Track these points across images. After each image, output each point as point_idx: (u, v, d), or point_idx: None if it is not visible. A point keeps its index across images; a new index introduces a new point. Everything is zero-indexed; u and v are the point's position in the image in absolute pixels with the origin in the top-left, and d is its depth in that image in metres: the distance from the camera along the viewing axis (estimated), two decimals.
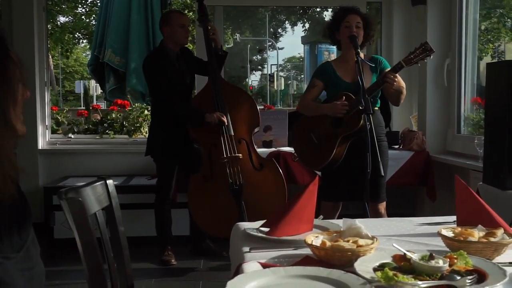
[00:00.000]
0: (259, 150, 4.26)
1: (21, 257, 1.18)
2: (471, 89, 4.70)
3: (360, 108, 3.18)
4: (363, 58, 3.32)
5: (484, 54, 6.25)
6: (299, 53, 29.67)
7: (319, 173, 3.60)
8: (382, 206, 3.41)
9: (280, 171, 4.05)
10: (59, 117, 5.92)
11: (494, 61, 7.16)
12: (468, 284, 1.23)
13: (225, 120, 3.99)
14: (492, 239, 1.52)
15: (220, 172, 4.00)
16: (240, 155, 4.00)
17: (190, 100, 4.25)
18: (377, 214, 3.33)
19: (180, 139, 4.12)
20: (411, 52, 3.25)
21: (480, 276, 1.29)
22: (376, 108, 3.47)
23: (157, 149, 4.20)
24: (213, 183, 4.04)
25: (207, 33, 4.15)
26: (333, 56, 17.10)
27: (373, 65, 3.41)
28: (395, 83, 3.18)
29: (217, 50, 4.17)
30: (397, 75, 3.20)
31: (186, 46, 4.33)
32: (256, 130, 4.19)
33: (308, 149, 3.51)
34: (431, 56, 3.26)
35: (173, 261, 4.17)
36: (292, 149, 3.86)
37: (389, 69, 3.32)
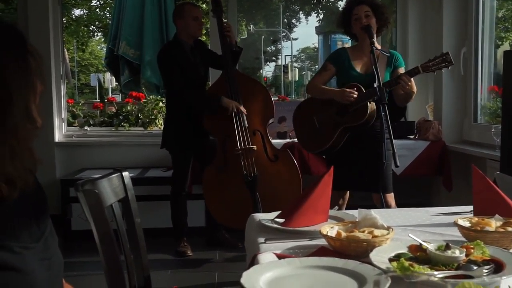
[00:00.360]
0: (273, 141, 4.26)
1: (39, 248, 1.19)
2: (487, 78, 4.64)
3: (370, 102, 3.18)
4: (378, 48, 3.29)
5: (501, 43, 6.15)
6: (313, 44, 29.52)
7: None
8: (391, 197, 3.39)
9: (295, 162, 4.04)
10: (75, 110, 5.96)
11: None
12: (485, 273, 1.22)
13: (244, 110, 3.99)
14: (509, 229, 1.51)
15: (234, 164, 4.00)
16: (255, 146, 4.00)
17: (205, 91, 4.26)
18: (385, 205, 3.32)
19: (195, 131, 4.13)
20: (430, 59, 3.20)
21: (497, 266, 1.28)
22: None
23: (172, 141, 4.22)
24: (227, 174, 4.04)
25: (220, 24, 4.15)
26: (347, 46, 16.99)
27: (388, 55, 3.39)
28: (407, 87, 3.16)
29: (232, 46, 4.18)
30: (411, 79, 3.17)
31: (200, 38, 4.33)
32: (270, 121, 4.18)
33: (308, 131, 3.52)
34: (449, 68, 3.21)
35: (189, 252, 4.20)
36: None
37: (404, 71, 3.29)
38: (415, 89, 3.27)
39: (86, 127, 5.65)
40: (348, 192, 3.54)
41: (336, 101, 3.35)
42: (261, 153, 4.03)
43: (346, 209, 3.38)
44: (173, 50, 4.10)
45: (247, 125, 4.02)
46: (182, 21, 4.13)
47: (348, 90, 3.28)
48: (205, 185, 4.11)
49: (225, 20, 4.21)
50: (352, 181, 3.41)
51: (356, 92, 3.26)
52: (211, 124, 4.09)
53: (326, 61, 3.54)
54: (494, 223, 1.55)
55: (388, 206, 3.34)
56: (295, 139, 3.78)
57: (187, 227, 4.32)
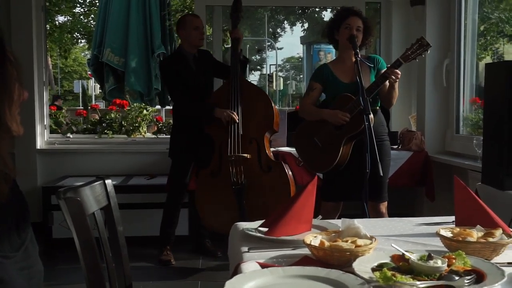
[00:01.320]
0: (270, 153, 4.22)
1: (20, 256, 1.18)
2: (470, 89, 4.70)
3: (361, 108, 3.19)
4: (363, 59, 3.33)
5: (483, 55, 6.24)
6: (298, 53, 29.66)
7: (320, 174, 3.60)
8: (384, 206, 3.42)
9: (288, 175, 3.99)
10: (57, 116, 5.91)
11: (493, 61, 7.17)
12: (466, 284, 1.23)
13: (236, 118, 3.99)
14: (490, 239, 1.53)
15: (226, 170, 4.02)
16: (247, 155, 4.00)
17: (200, 102, 4.26)
18: (378, 214, 3.34)
19: (198, 139, 4.16)
20: (407, 48, 3.27)
21: (479, 276, 1.29)
22: (377, 108, 3.48)
23: (177, 150, 4.25)
24: (219, 180, 4.06)
25: (235, 30, 4.18)
26: (329, 56, 17.11)
27: (372, 65, 3.43)
28: (398, 75, 3.22)
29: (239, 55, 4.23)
30: (398, 71, 3.22)
31: (206, 49, 4.38)
32: (269, 133, 4.14)
33: (313, 153, 3.51)
34: (428, 51, 3.27)
35: (172, 260, 4.18)
36: (292, 149, 3.86)
37: (388, 66, 3.33)
38: (396, 89, 3.34)
39: (68, 134, 5.60)
40: (341, 203, 3.55)
41: None
42: (254, 162, 4.02)
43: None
44: (175, 61, 4.18)
45: (241, 133, 4.02)
46: (184, 31, 4.20)
47: (340, 112, 3.30)
48: (198, 187, 4.15)
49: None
50: (345, 191, 3.44)
51: (347, 114, 3.28)
52: (211, 129, 4.12)
53: (311, 80, 3.56)
54: (475, 234, 1.57)
55: (381, 215, 3.36)
56: (301, 163, 3.76)
57: (174, 236, 4.30)
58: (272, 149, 4.72)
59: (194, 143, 4.19)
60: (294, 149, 3.84)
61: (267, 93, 4.58)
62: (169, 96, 4.42)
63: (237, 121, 4.00)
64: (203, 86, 4.24)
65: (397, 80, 3.24)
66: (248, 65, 4.42)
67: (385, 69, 3.39)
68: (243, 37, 4.28)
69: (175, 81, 4.12)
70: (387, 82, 3.28)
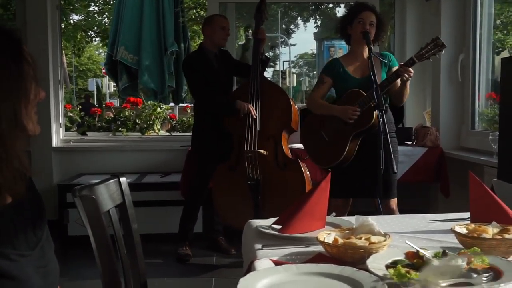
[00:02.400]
0: (288, 150, 4.23)
1: (36, 255, 1.19)
2: (485, 84, 4.65)
3: (373, 104, 3.17)
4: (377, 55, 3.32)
5: (501, 49, 6.16)
6: (311, 50, 29.56)
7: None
8: (394, 202, 3.39)
9: (304, 174, 3.99)
10: (72, 115, 5.96)
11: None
12: (484, 281, 1.22)
13: (254, 112, 4.00)
14: (506, 236, 1.51)
15: (243, 165, 4.04)
16: (263, 151, 4.00)
17: (222, 97, 4.28)
18: (388, 211, 3.32)
19: (220, 136, 4.19)
20: (422, 47, 3.24)
21: (496, 273, 1.28)
22: (386, 105, 3.46)
23: (201, 147, 4.28)
24: (236, 174, 4.08)
25: (258, 29, 4.19)
26: (341, 52, 17.02)
27: (385, 61, 3.41)
28: (410, 73, 3.19)
29: (261, 55, 4.23)
30: (411, 69, 3.20)
31: (225, 49, 4.41)
32: (290, 131, 4.15)
33: (319, 147, 3.49)
34: (443, 52, 3.24)
35: (189, 254, 4.20)
36: None
37: (401, 64, 3.30)
38: (407, 89, 3.31)
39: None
40: (351, 199, 3.54)
41: None
42: (270, 159, 4.03)
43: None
44: (197, 59, 4.21)
45: (259, 129, 4.03)
46: (210, 28, 4.22)
47: (351, 108, 3.28)
48: (215, 181, 4.17)
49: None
50: (355, 188, 3.41)
51: (358, 109, 3.26)
52: (230, 123, 4.14)
53: (321, 73, 3.55)
54: (491, 230, 1.55)
55: (391, 211, 3.34)
56: (307, 157, 3.75)
57: (192, 232, 4.33)
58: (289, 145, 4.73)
59: (217, 140, 4.21)
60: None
61: None
62: (191, 94, 4.40)
63: (255, 116, 4.01)
64: (224, 84, 4.28)
65: (410, 78, 3.21)
66: (268, 64, 4.41)
67: (396, 67, 3.38)
68: (266, 38, 4.26)
69: (199, 79, 4.14)
70: (398, 80, 3.25)
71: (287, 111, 4.10)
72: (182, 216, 4.29)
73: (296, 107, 4.24)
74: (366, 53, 3.39)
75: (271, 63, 27.64)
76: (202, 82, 4.14)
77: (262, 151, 4.00)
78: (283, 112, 4.10)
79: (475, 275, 1.24)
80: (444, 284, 1.20)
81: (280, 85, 24.76)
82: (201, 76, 4.14)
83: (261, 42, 4.19)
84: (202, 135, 4.26)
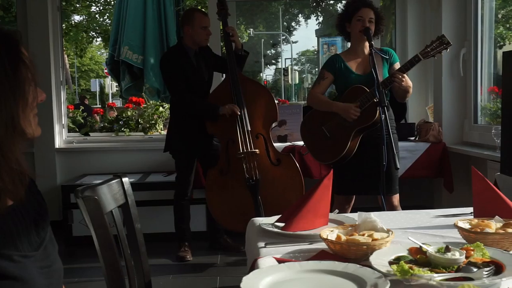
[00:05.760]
0: (274, 144, 4.25)
1: (39, 255, 1.19)
2: (487, 79, 4.64)
3: (375, 100, 3.17)
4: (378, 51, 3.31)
5: (503, 43, 6.14)
6: (313, 46, 29.55)
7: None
8: (396, 198, 3.39)
9: (298, 166, 4.02)
10: (75, 116, 5.97)
11: None
12: (485, 275, 1.22)
13: (238, 111, 3.99)
14: (509, 230, 1.51)
15: (237, 167, 4.01)
16: (257, 150, 4.00)
17: (208, 97, 4.25)
18: (390, 207, 3.31)
19: (199, 134, 4.14)
20: (427, 45, 3.22)
21: (497, 267, 1.28)
22: (387, 101, 3.45)
23: (176, 145, 4.22)
24: (230, 177, 4.05)
25: (226, 27, 4.17)
26: (333, 48, 16.99)
27: (387, 57, 3.40)
28: (403, 83, 3.18)
29: (237, 51, 4.18)
30: (405, 75, 3.19)
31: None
32: (273, 125, 4.18)
33: (320, 142, 3.49)
34: (448, 50, 3.23)
35: (188, 257, 4.19)
36: None
37: (398, 66, 3.31)
38: (410, 83, 3.29)
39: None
40: (354, 196, 3.54)
41: None
42: (263, 157, 4.03)
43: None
44: (177, 56, 4.11)
45: (249, 129, 4.02)
46: (190, 28, 4.11)
47: (353, 107, 3.28)
48: (207, 187, 4.12)
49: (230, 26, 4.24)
50: (358, 184, 3.41)
51: (359, 109, 3.26)
52: (214, 128, 4.10)
53: (322, 69, 3.54)
54: (494, 225, 1.55)
55: (393, 207, 3.34)
56: (307, 152, 3.75)
57: (190, 231, 4.32)
58: (288, 143, 4.74)
59: (194, 139, 4.16)
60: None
61: (282, 87, 4.58)
62: (169, 92, 4.35)
63: (239, 113, 3.99)
64: (204, 82, 4.21)
65: (401, 83, 3.19)
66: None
67: (397, 63, 3.39)
68: (235, 32, 4.22)
69: (177, 76, 4.05)
70: None
71: (271, 106, 4.10)
72: (174, 217, 4.29)
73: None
74: (367, 50, 3.38)
75: (273, 61, 27.67)
76: (181, 80, 4.05)
77: (256, 150, 4.00)
78: (268, 108, 4.10)
79: (475, 269, 1.24)
80: (439, 279, 1.20)
81: (282, 83, 24.82)
82: (180, 74, 4.04)
83: (232, 38, 4.15)
84: (181, 134, 4.18)
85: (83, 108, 7.37)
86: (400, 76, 3.16)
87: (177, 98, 4.17)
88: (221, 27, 4.38)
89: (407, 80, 3.23)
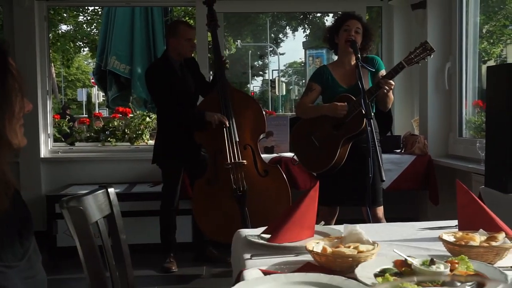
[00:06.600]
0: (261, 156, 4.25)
1: (23, 266, 1.18)
2: (472, 92, 4.69)
3: (363, 111, 3.19)
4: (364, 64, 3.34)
5: (486, 58, 6.23)
6: (300, 58, 29.72)
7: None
8: (380, 210, 3.41)
9: (285, 178, 4.02)
10: (61, 125, 5.93)
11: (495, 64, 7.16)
12: None
13: (226, 122, 4.00)
14: (493, 243, 1.52)
15: (224, 178, 4.00)
16: (245, 161, 4.00)
17: (195, 108, 4.25)
18: (375, 219, 3.32)
19: (186, 145, 4.13)
20: (411, 51, 3.26)
21: (480, 281, 1.28)
22: (373, 113, 3.48)
23: (163, 155, 4.21)
24: (217, 188, 4.03)
25: (215, 37, 4.20)
26: (318, 61, 17.12)
27: (373, 70, 3.43)
28: (391, 86, 3.22)
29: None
30: (391, 81, 3.22)
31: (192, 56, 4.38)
32: (261, 136, 4.19)
33: (309, 152, 3.50)
34: (431, 56, 3.27)
35: (174, 268, 4.17)
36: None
37: (384, 74, 3.34)
38: (391, 96, 3.33)
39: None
40: (338, 207, 3.54)
41: (328, 116, 3.37)
42: (251, 168, 4.03)
43: (334, 223, 3.39)
44: (161, 68, 4.11)
45: (237, 139, 4.02)
46: (175, 40, 4.11)
47: (338, 104, 3.30)
48: (194, 198, 4.11)
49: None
50: (342, 196, 3.42)
51: (345, 104, 3.29)
52: (202, 138, 4.09)
53: (310, 81, 3.56)
54: (478, 238, 1.56)
55: (377, 219, 3.35)
56: (297, 162, 3.76)
57: (175, 242, 4.29)
58: (274, 154, 4.74)
59: (181, 150, 4.15)
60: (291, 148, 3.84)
61: (270, 99, 4.61)
62: (155, 104, 4.36)
63: (228, 125, 4.00)
64: (190, 93, 4.21)
65: (390, 90, 3.24)
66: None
67: (383, 70, 3.42)
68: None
69: (163, 88, 4.04)
70: None
71: (259, 117, 4.12)
72: (160, 228, 4.26)
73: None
74: (353, 62, 3.41)
75: (260, 72, 27.75)
76: (167, 92, 4.04)
77: (243, 161, 4.00)
78: (256, 119, 4.11)
79: (458, 283, 1.25)
80: None
81: (270, 94, 24.87)
82: (165, 85, 4.04)
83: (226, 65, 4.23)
84: (168, 145, 4.16)
85: (69, 118, 7.34)
86: (387, 82, 3.19)
87: (162, 109, 4.16)
88: (209, 39, 4.40)
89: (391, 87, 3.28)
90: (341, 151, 3.34)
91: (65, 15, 14.90)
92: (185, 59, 4.23)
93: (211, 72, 4.78)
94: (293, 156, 3.79)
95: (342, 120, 3.33)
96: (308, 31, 20.82)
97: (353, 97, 3.29)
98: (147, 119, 5.69)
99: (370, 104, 3.19)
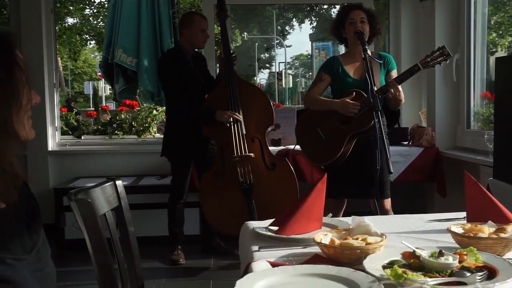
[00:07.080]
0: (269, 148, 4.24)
1: (32, 259, 1.19)
2: (480, 84, 4.67)
3: (369, 105, 3.18)
4: (370, 54, 3.32)
5: (495, 50, 6.19)
6: (306, 51, 29.65)
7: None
8: (388, 203, 3.39)
9: (293, 171, 4.00)
10: (68, 118, 5.95)
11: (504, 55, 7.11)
12: (478, 280, 1.22)
13: (239, 117, 4.00)
14: (502, 235, 1.51)
15: (232, 171, 3.99)
16: (252, 154, 3.99)
17: (204, 101, 4.24)
18: (382, 211, 3.32)
19: (195, 138, 4.13)
20: (427, 55, 3.24)
21: (491, 272, 1.28)
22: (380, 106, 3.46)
23: (172, 148, 4.22)
24: (224, 181, 4.03)
25: (224, 29, 4.19)
26: (323, 53, 17.07)
27: (381, 62, 3.41)
28: (398, 93, 3.24)
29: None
30: (399, 88, 3.23)
31: (200, 51, 4.39)
32: (269, 129, 4.17)
33: (314, 144, 3.49)
34: (447, 61, 3.25)
35: (181, 260, 4.18)
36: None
37: (394, 75, 3.33)
38: (402, 96, 3.32)
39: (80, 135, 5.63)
40: (345, 200, 3.54)
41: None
42: (258, 161, 4.02)
43: (342, 216, 3.38)
44: (174, 58, 4.12)
45: (245, 132, 4.01)
46: (189, 31, 4.14)
47: (351, 102, 3.28)
48: (202, 191, 4.11)
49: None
50: (349, 188, 3.41)
51: (358, 103, 3.26)
52: (210, 131, 4.09)
53: (320, 71, 3.54)
54: (487, 230, 1.56)
55: (385, 211, 3.34)
56: (299, 153, 3.76)
57: (183, 235, 4.31)
58: (281, 147, 4.74)
59: (191, 142, 4.15)
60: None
61: (276, 91, 4.60)
62: (165, 95, 4.35)
63: (240, 119, 4.00)
64: (200, 84, 4.21)
65: (396, 95, 3.24)
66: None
67: (395, 70, 3.42)
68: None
69: (175, 76, 4.06)
70: None
71: (267, 109, 4.10)
72: (168, 220, 4.28)
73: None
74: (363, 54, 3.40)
75: (267, 64, 27.70)
76: (178, 82, 4.04)
77: (251, 154, 4.00)
78: (264, 111, 4.09)
79: (468, 274, 1.24)
80: (433, 283, 1.20)
81: (276, 87, 24.84)
82: (178, 76, 4.05)
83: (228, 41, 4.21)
84: (177, 137, 4.18)
85: (76, 110, 7.36)
86: (395, 88, 3.21)
87: (173, 102, 4.17)
88: (218, 31, 4.41)
89: (401, 93, 3.28)
90: (347, 146, 3.33)
91: (71, 8, 14.92)
92: (195, 52, 4.24)
93: (217, 65, 4.76)
94: (294, 147, 3.76)
95: (351, 115, 3.32)
96: (314, 23, 20.75)
97: (364, 93, 3.26)
98: (154, 112, 5.70)
99: (378, 96, 3.17)
